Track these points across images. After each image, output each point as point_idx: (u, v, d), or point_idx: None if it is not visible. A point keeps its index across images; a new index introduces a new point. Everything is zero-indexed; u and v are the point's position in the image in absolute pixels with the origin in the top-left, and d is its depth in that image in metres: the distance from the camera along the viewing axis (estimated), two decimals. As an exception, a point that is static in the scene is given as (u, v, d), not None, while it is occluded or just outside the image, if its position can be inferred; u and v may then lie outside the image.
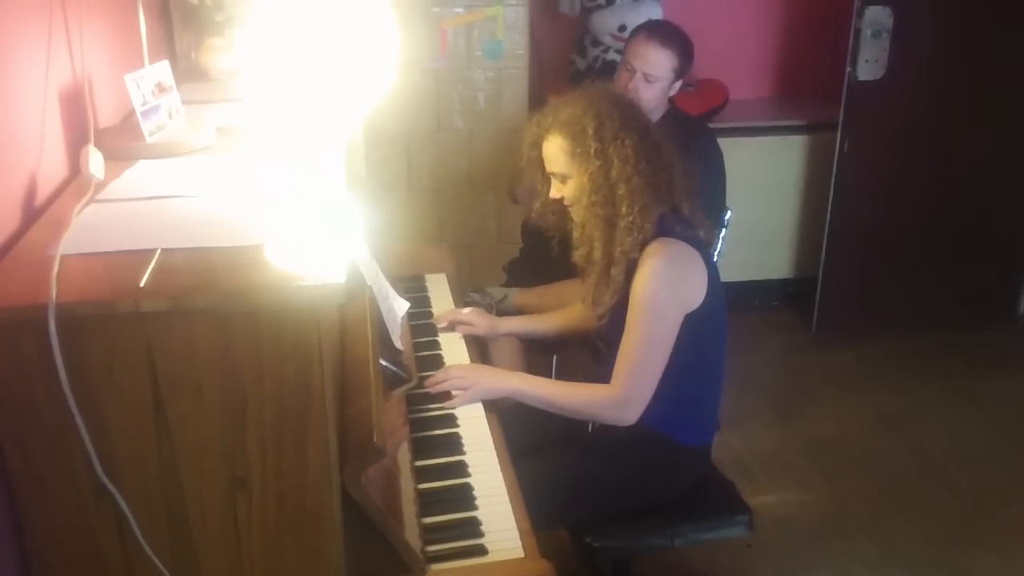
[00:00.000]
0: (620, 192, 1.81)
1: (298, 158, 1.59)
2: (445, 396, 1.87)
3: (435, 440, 1.76)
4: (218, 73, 2.30)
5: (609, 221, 1.84)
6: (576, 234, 1.90)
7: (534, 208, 2.08)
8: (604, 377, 1.96)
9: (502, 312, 2.55)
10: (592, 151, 1.82)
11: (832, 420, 3.27)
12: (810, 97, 4.16)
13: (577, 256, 1.92)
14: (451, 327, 2.16)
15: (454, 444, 1.75)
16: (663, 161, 1.87)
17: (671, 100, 2.79)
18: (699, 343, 1.87)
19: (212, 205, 1.36)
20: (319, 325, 1.11)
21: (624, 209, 1.81)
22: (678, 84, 2.65)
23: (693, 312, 1.83)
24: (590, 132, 1.82)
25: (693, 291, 1.84)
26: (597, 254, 1.87)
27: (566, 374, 2.80)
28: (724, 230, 2.69)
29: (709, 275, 1.86)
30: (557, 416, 1.97)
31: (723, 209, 2.67)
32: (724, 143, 2.72)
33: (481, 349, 2.28)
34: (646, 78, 2.57)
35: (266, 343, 1.10)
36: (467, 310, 2.20)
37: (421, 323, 2.21)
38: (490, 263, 3.47)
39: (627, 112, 1.86)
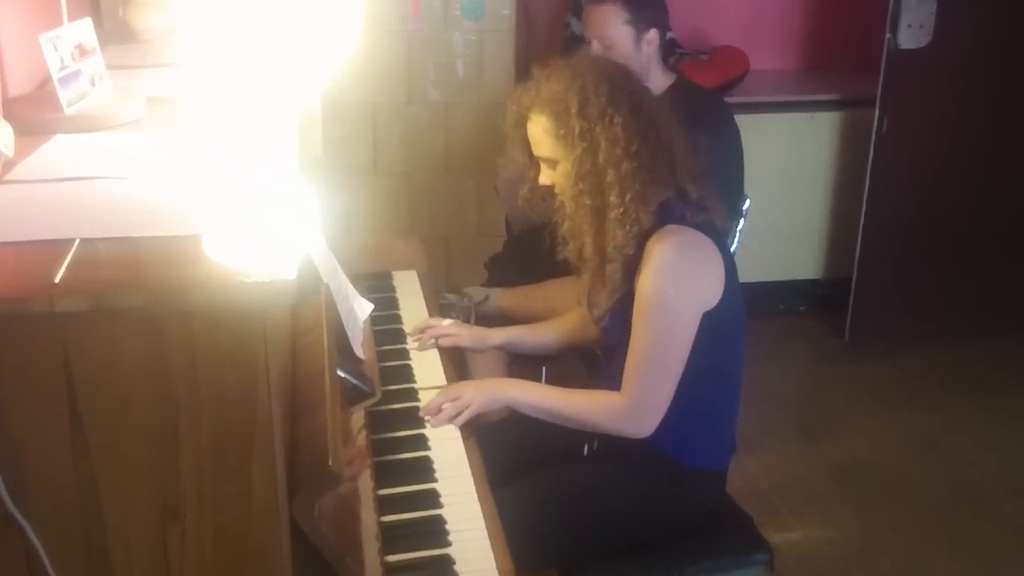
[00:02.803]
0: (608, 179, 1.83)
1: (243, 135, 1.59)
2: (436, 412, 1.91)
3: (402, 465, 1.77)
4: (150, 34, 2.30)
5: (597, 212, 1.85)
6: (565, 227, 1.91)
7: (521, 194, 2.10)
8: (602, 388, 1.97)
9: (482, 316, 2.55)
10: (576, 132, 1.84)
11: (865, 442, 3.30)
12: (843, 68, 4.19)
13: (568, 252, 1.94)
14: (427, 341, 2.15)
15: (424, 469, 1.75)
16: (662, 139, 1.88)
17: (677, 69, 2.80)
18: (715, 349, 1.88)
19: (141, 188, 1.36)
20: (266, 329, 1.11)
21: (613, 198, 1.83)
22: (652, 35, 2.63)
23: (710, 311, 1.85)
24: (573, 110, 1.84)
25: (709, 286, 1.86)
26: (588, 250, 1.89)
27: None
28: (742, 222, 2.71)
29: (726, 267, 1.88)
30: (545, 436, 1.98)
31: (740, 197, 2.68)
32: (742, 121, 2.74)
33: (458, 359, 2.29)
34: (603, 44, 2.58)
35: (203, 349, 1.10)
36: (447, 322, 2.20)
37: (387, 328, 2.21)
38: (469, 258, 3.48)
39: (618, 84, 1.88)
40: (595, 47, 2.59)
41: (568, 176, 1.87)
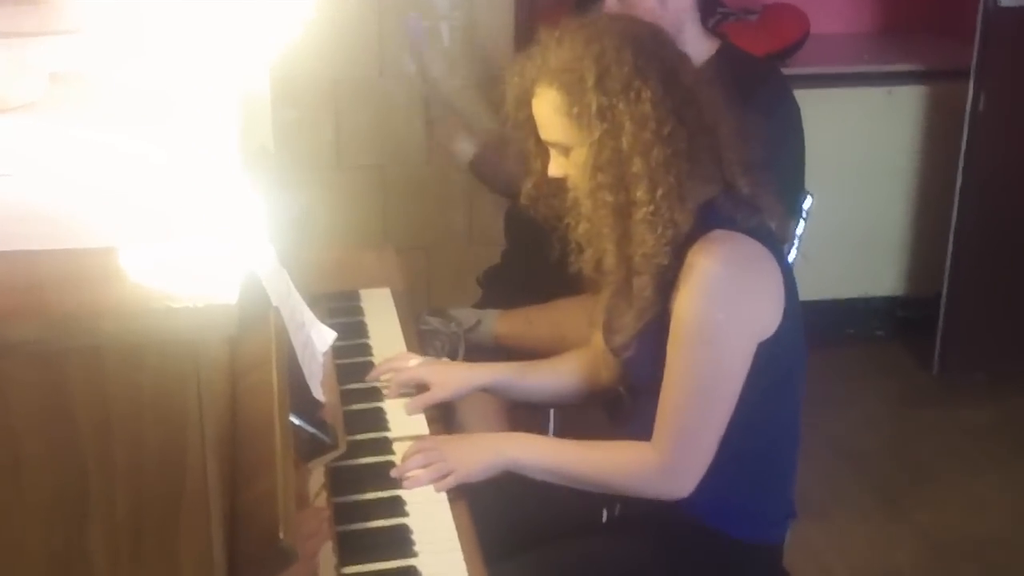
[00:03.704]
0: (634, 169, 1.82)
1: (169, 120, 1.59)
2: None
3: (373, 536, 1.76)
4: (53, -8, 2.30)
5: (621, 211, 1.84)
6: (580, 230, 1.91)
7: (523, 191, 2.09)
8: (626, 439, 1.96)
9: (473, 346, 2.54)
10: (594, 110, 1.83)
11: (962, 508, 3.28)
12: (929, 31, 4.20)
13: (583, 262, 1.93)
14: (396, 391, 2.12)
15: (401, 541, 1.75)
16: (704, 120, 1.87)
17: (720, 32, 2.79)
18: (770, 388, 1.88)
19: (39, 188, 1.36)
20: (199, 368, 1.11)
21: (640, 194, 1.82)
22: None
23: (766, 340, 1.85)
24: (590, 82, 1.83)
25: (767, 309, 1.85)
26: (611, 259, 1.88)
27: (569, 437, 2.80)
28: (802, 224, 2.70)
29: (786, 285, 1.88)
30: (554, 498, 1.97)
31: (800, 193, 2.68)
32: (801, 97, 2.73)
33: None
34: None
35: (118, 395, 1.09)
36: (415, 361, 2.17)
37: (353, 362, 2.21)
38: (457, 273, 3.48)
39: (646, 49, 1.87)
40: (610, 4, 2.57)
41: (584, 166, 1.86)
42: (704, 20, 2.79)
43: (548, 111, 1.90)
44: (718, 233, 1.84)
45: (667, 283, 1.85)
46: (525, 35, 3.66)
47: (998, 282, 3.84)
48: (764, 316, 1.85)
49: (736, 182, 1.90)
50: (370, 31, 3.48)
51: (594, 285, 1.98)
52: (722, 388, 1.83)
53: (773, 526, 2.02)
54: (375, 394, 2.13)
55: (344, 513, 1.79)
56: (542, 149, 1.98)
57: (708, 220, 1.86)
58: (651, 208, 1.82)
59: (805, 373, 1.99)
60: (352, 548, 1.72)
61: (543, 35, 1.95)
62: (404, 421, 2.05)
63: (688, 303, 1.81)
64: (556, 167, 1.94)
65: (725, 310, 1.81)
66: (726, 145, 1.89)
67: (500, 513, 1.98)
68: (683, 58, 1.95)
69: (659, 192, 1.82)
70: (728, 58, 2.66)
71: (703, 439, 1.84)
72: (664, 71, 1.86)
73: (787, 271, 1.90)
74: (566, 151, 1.91)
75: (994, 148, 3.70)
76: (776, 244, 1.91)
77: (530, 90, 1.93)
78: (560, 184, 1.96)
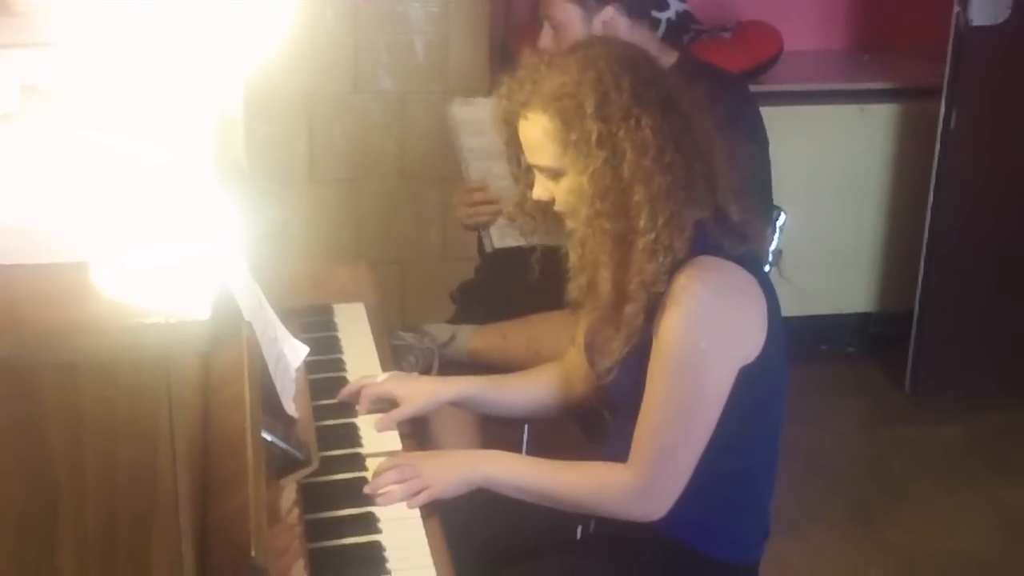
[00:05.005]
0: (636, 198, 1.80)
1: (143, 134, 1.59)
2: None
3: (345, 553, 1.75)
4: (25, 4, 2.29)
5: (621, 240, 1.83)
6: (573, 256, 1.90)
7: (505, 209, 2.09)
8: (603, 458, 1.97)
9: (447, 361, 2.54)
10: (594, 138, 1.81)
11: (936, 526, 3.29)
12: (901, 49, 4.23)
13: (574, 288, 1.92)
14: (366, 408, 2.11)
15: (373, 559, 1.74)
16: (699, 146, 1.86)
17: (690, 49, 2.80)
18: (750, 411, 1.88)
19: (9, 202, 1.35)
20: (170, 384, 1.10)
21: (643, 222, 1.81)
22: (609, 13, 2.58)
23: (748, 365, 1.85)
24: (589, 110, 1.81)
25: (750, 335, 1.85)
26: (605, 286, 1.87)
27: (543, 453, 2.79)
28: (775, 240, 2.71)
29: (769, 312, 1.88)
30: (528, 516, 1.97)
31: (768, 207, 2.67)
32: (774, 114, 2.75)
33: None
34: (554, 27, 2.57)
35: (89, 411, 1.09)
36: (383, 376, 2.16)
37: (326, 377, 2.21)
38: (431, 288, 3.47)
39: (642, 74, 1.86)
40: (544, 30, 2.59)
41: (581, 193, 1.85)
42: (677, 38, 2.81)
43: (539, 136, 1.88)
44: (706, 260, 1.83)
45: (653, 308, 1.85)
46: (499, 51, 3.67)
47: (970, 299, 3.85)
48: (747, 343, 1.85)
49: (728, 209, 1.89)
50: (345, 46, 3.47)
51: (577, 307, 1.98)
52: (701, 413, 1.83)
53: (751, 546, 2.02)
54: (348, 410, 2.12)
55: (316, 530, 1.78)
56: (525, 171, 1.98)
57: (696, 244, 1.85)
58: (652, 236, 1.80)
59: (785, 396, 1.99)
60: (324, 565, 1.71)
61: (527, 58, 1.93)
62: (377, 437, 2.04)
63: (672, 329, 1.81)
64: (542, 190, 1.93)
65: (708, 339, 1.81)
66: (719, 172, 1.88)
67: (473, 530, 1.98)
68: (677, 83, 1.92)
69: (660, 220, 1.80)
70: (687, 69, 2.66)
71: (679, 463, 1.84)
72: (661, 98, 1.85)
73: (771, 296, 1.90)
74: (555, 176, 1.89)
75: (966, 166, 3.71)
76: (762, 270, 1.92)
77: (517, 113, 1.91)
78: (545, 207, 1.95)
